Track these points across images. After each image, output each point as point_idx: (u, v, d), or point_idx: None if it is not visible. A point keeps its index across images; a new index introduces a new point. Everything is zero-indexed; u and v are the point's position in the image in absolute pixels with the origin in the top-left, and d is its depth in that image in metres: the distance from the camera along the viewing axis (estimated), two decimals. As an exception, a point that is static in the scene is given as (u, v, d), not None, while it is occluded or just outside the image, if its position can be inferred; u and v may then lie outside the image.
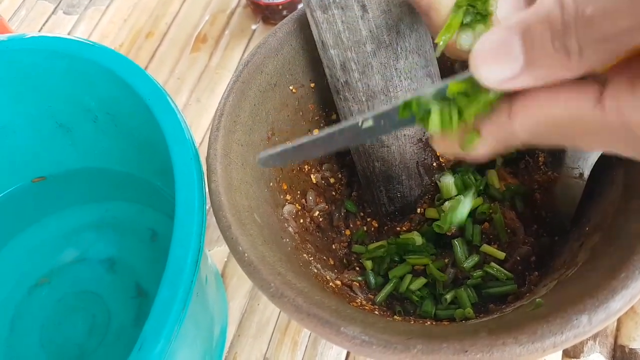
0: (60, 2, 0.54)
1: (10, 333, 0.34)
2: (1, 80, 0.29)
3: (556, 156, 0.22)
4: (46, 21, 0.53)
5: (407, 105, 0.14)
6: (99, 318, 0.33)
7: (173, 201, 0.26)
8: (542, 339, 0.16)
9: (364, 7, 0.21)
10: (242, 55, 0.46)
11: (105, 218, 0.36)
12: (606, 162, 0.21)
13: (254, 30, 0.48)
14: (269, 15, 0.46)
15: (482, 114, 0.14)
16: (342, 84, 0.24)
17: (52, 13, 0.54)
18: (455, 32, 0.16)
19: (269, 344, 0.34)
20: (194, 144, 0.24)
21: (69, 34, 0.52)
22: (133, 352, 0.21)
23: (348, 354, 0.33)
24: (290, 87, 0.26)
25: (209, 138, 0.24)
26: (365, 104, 0.24)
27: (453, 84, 0.13)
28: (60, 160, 0.35)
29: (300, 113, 0.28)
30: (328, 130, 0.16)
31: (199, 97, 0.45)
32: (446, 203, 0.25)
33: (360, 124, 0.15)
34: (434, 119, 0.14)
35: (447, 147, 0.15)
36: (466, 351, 0.16)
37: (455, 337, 0.16)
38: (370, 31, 0.21)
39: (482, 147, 0.14)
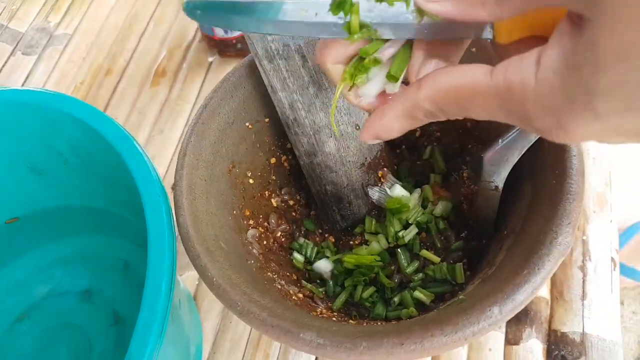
0: (18, 43, 0.56)
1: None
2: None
3: (476, 172, 0.25)
4: (5, 62, 0.54)
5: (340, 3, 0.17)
6: (80, 348, 0.35)
7: (142, 232, 0.28)
8: (463, 329, 0.19)
9: (303, 57, 0.24)
10: (201, 86, 0.49)
11: (79, 251, 0.38)
12: (518, 176, 0.25)
13: (211, 62, 0.50)
14: (223, 49, 0.49)
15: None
16: (291, 120, 0.27)
17: (11, 54, 0.55)
18: (351, 82, 0.19)
19: (242, 359, 0.36)
20: (160, 183, 0.26)
21: (28, 74, 0.53)
22: (119, 374, 0.23)
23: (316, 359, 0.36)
24: (247, 124, 0.30)
25: (175, 176, 0.26)
26: (313, 137, 0.27)
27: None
28: (32, 200, 0.37)
29: (258, 145, 0.31)
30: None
31: (162, 129, 0.47)
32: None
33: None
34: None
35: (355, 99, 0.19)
36: (402, 344, 0.19)
37: (394, 333, 0.19)
38: (311, 76, 0.25)
39: (397, 120, 0.18)
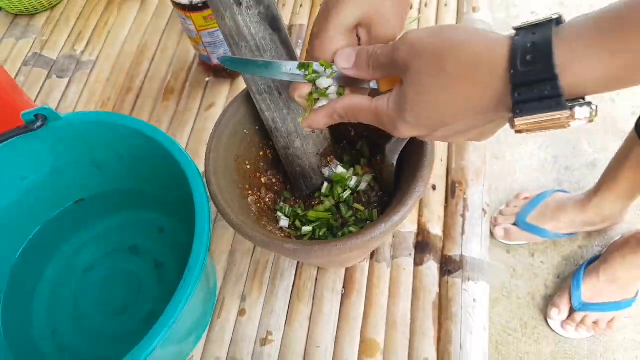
0: (51, 68, 0.71)
1: (75, 303, 0.52)
2: (62, 139, 0.48)
3: (383, 157, 0.44)
4: (43, 84, 0.70)
5: (304, 65, 0.34)
6: (133, 286, 0.52)
7: (172, 205, 0.45)
8: (368, 234, 0.37)
9: (279, 92, 0.42)
10: (201, 101, 0.66)
11: (127, 221, 0.55)
12: (402, 158, 0.44)
13: (208, 82, 0.67)
14: (217, 72, 0.66)
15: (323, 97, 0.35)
16: (273, 129, 0.45)
17: (47, 77, 0.70)
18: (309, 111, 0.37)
19: (244, 286, 0.54)
20: (197, 168, 0.44)
21: (63, 93, 0.69)
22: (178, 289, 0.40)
23: (294, 284, 0.54)
24: (245, 131, 0.47)
25: (205, 163, 0.44)
26: (286, 138, 0.45)
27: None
28: (93, 186, 0.53)
29: (252, 144, 0.48)
30: (260, 60, 0.36)
31: (174, 134, 0.64)
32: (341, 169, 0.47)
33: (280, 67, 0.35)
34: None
35: (312, 118, 0.36)
36: (336, 245, 0.37)
37: (334, 242, 0.38)
38: (285, 103, 0.43)
39: (323, 119, 0.35)
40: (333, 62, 0.34)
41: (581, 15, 0.27)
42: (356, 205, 0.46)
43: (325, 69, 0.34)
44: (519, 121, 0.28)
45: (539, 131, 0.29)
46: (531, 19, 1.28)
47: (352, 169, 0.48)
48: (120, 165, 0.51)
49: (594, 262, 0.93)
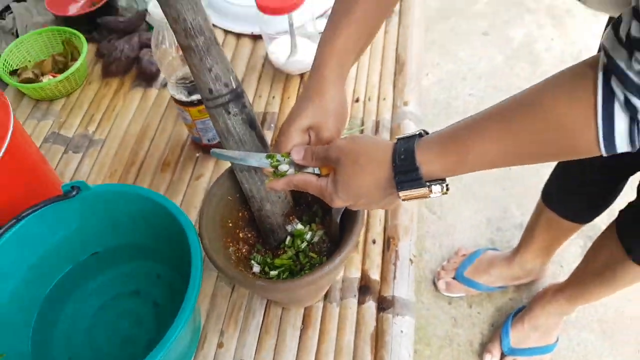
0: (67, 145, 0.87)
1: (89, 334, 0.64)
2: (89, 205, 0.63)
3: (331, 216, 0.60)
4: (60, 158, 0.85)
5: (271, 156, 0.52)
6: (135, 322, 0.65)
7: (168, 256, 0.59)
8: (317, 274, 0.53)
9: (255, 171, 0.59)
10: (192, 172, 0.82)
11: (132, 269, 0.69)
12: (343, 218, 0.60)
13: (198, 157, 0.84)
14: (205, 149, 0.83)
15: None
16: (249, 196, 0.61)
17: (64, 153, 0.86)
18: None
19: (223, 323, 0.68)
20: (194, 227, 0.59)
21: (77, 166, 0.84)
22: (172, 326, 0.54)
23: (263, 321, 0.68)
24: (229, 197, 0.63)
25: (199, 223, 0.59)
26: (260, 203, 0.61)
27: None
28: (107, 241, 0.68)
29: (234, 207, 0.64)
30: (239, 154, 0.53)
31: (170, 199, 0.79)
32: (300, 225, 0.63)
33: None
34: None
35: (273, 183, 0.53)
36: (293, 281, 0.53)
37: (293, 280, 0.53)
38: (259, 178, 0.59)
39: (282, 185, 0.52)
40: (290, 153, 0.52)
41: (434, 132, 0.45)
42: (311, 254, 0.62)
43: (284, 159, 0.51)
44: (401, 194, 0.45)
45: (414, 200, 0.46)
46: (469, 99, 1.52)
47: (308, 226, 0.64)
48: (130, 224, 0.66)
49: (521, 312, 1.09)
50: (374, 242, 0.74)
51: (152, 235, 0.66)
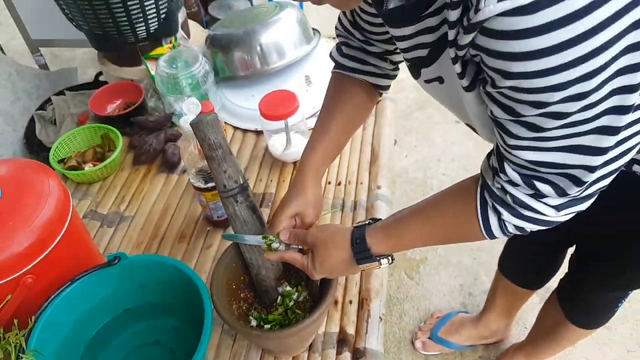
0: (102, 220, 1.06)
1: (117, 375, 0.80)
2: (126, 271, 0.81)
3: (313, 281, 0.78)
4: (97, 231, 1.04)
5: (265, 237, 0.71)
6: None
7: (185, 312, 0.77)
8: (300, 326, 0.70)
9: (258, 247, 0.77)
10: (203, 243, 1.00)
11: (154, 322, 0.86)
12: (321, 285, 0.78)
13: (208, 230, 1.03)
14: (215, 225, 1.02)
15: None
16: (249, 264, 0.79)
17: (100, 227, 1.05)
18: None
19: (227, 367, 0.84)
20: (207, 288, 0.77)
21: (110, 239, 1.03)
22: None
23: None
24: (233, 264, 0.81)
25: (209, 284, 0.77)
26: (258, 269, 0.79)
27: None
28: (136, 299, 0.85)
29: (237, 272, 0.82)
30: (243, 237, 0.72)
31: (189, 264, 0.97)
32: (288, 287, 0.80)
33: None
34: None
35: (269, 255, 0.72)
36: (282, 331, 0.70)
37: (282, 330, 0.70)
38: (258, 250, 0.78)
39: (275, 258, 0.70)
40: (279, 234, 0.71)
41: (380, 221, 0.65)
42: (297, 311, 0.80)
43: (275, 239, 0.71)
44: (360, 267, 0.64)
45: (371, 270, 0.65)
46: (443, 178, 1.73)
47: (295, 288, 0.82)
48: (155, 286, 0.84)
49: (488, 368, 1.23)
50: (350, 302, 0.91)
51: (172, 294, 0.83)
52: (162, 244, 1.01)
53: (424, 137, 1.83)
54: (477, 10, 0.35)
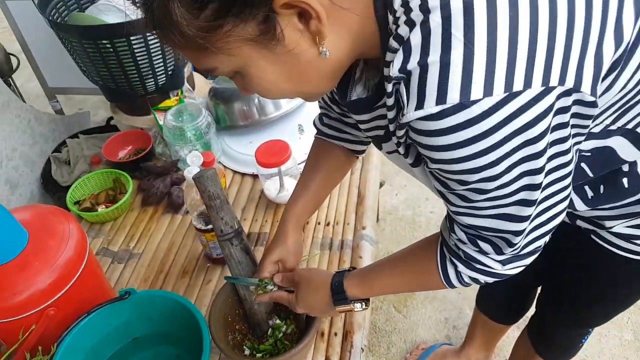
0: (113, 257, 1.17)
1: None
2: (135, 304, 0.91)
3: (300, 315, 0.88)
4: (108, 267, 1.15)
5: (261, 280, 0.82)
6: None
7: (186, 341, 0.87)
8: (287, 355, 0.80)
9: (249, 287, 0.88)
10: (203, 279, 1.11)
11: (158, 351, 0.96)
12: (307, 320, 0.88)
13: (208, 267, 1.13)
14: (214, 261, 1.12)
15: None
16: (243, 300, 0.90)
17: (111, 263, 1.16)
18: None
19: (223, 392, 0.93)
20: (207, 325, 0.87)
21: (120, 274, 1.13)
22: (193, 376, 0.81)
23: (252, 391, 0.93)
24: (229, 299, 0.92)
25: (208, 317, 0.87)
26: (250, 304, 0.89)
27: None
28: (143, 329, 0.95)
29: (233, 306, 0.93)
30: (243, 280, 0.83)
31: (187, 297, 1.07)
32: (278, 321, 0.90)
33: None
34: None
35: (260, 297, 0.83)
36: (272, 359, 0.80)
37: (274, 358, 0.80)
38: (249, 289, 0.88)
39: (266, 298, 0.81)
40: (272, 277, 0.83)
41: (357, 269, 0.76)
42: (286, 342, 0.90)
43: (269, 282, 0.82)
44: (337, 309, 0.74)
45: (346, 312, 0.75)
46: (430, 215, 1.83)
47: (284, 321, 0.92)
48: (161, 317, 0.94)
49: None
50: (335, 334, 1.00)
51: (175, 325, 0.94)
52: (167, 279, 1.12)
53: (413, 177, 1.95)
54: (402, 115, 0.45)
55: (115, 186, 1.28)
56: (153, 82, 1.31)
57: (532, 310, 1.13)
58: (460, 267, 0.61)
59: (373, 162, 1.34)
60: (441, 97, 0.42)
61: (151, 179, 1.26)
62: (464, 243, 0.58)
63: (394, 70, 0.45)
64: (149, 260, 1.15)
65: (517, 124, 0.42)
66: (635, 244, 0.69)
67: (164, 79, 1.33)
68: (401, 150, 0.54)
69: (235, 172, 1.35)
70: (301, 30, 0.46)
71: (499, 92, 0.41)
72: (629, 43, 0.44)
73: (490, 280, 0.62)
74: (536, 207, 0.51)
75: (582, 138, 0.49)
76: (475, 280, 0.62)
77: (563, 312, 0.93)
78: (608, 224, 0.69)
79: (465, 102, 0.41)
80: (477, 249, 0.58)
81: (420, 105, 0.43)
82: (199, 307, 1.04)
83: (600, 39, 0.43)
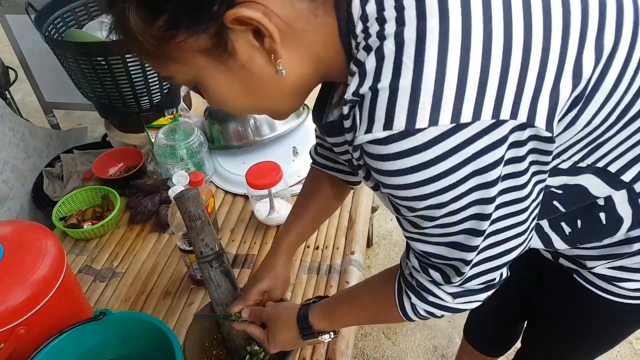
0: (96, 276, 1.15)
1: None
2: (110, 325, 0.89)
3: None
4: (89, 286, 1.13)
5: (232, 315, 0.79)
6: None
7: None
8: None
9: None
10: (186, 300, 1.08)
11: (133, 375, 0.93)
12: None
13: (192, 288, 1.10)
14: (198, 282, 1.10)
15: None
16: (220, 324, 0.87)
17: (93, 281, 1.13)
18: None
19: (197, 421, 0.90)
20: (180, 346, 0.84)
21: (101, 293, 1.11)
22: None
23: (228, 420, 0.89)
24: (207, 323, 0.89)
25: (182, 347, 0.85)
26: (229, 329, 0.87)
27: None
28: (119, 351, 0.92)
29: (210, 332, 0.90)
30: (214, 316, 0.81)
31: (167, 320, 1.05)
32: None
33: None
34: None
35: (236, 324, 0.80)
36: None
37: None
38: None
39: (241, 327, 0.79)
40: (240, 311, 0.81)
41: (322, 300, 0.74)
42: (265, 367, 0.87)
43: (240, 317, 0.80)
44: (305, 343, 0.72)
45: (314, 344, 0.73)
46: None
47: (262, 348, 0.89)
48: (136, 338, 0.91)
49: None
50: (317, 362, 0.97)
51: (151, 347, 0.91)
52: (149, 300, 1.09)
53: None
54: (355, 137, 0.45)
55: (103, 203, 1.26)
56: (147, 100, 1.31)
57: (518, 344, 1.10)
58: (414, 299, 0.60)
59: (365, 187, 1.32)
60: (388, 123, 0.42)
61: (140, 196, 1.24)
62: (417, 271, 0.58)
63: (348, 93, 0.45)
64: (132, 280, 1.13)
65: (465, 153, 0.42)
66: (617, 286, 0.66)
67: (159, 97, 1.33)
68: (362, 173, 0.54)
69: (227, 192, 1.34)
70: (257, 47, 0.47)
71: (445, 122, 0.40)
72: (589, 80, 0.44)
73: (446, 314, 0.61)
74: (485, 238, 0.50)
75: (545, 175, 0.48)
76: (431, 314, 0.61)
77: (545, 349, 0.90)
78: (590, 264, 0.67)
79: (410, 130, 0.41)
80: (429, 279, 0.57)
81: (369, 129, 0.43)
82: (179, 329, 1.01)
83: (558, 74, 0.42)
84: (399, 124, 0.41)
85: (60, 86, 1.64)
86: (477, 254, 0.51)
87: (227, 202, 1.31)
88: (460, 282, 0.55)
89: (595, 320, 0.76)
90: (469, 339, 1.19)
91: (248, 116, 1.35)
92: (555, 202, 0.58)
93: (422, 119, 0.40)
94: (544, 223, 0.64)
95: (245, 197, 1.31)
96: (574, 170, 0.54)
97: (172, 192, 0.93)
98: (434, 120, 0.40)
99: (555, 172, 0.54)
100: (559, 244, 0.64)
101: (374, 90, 0.42)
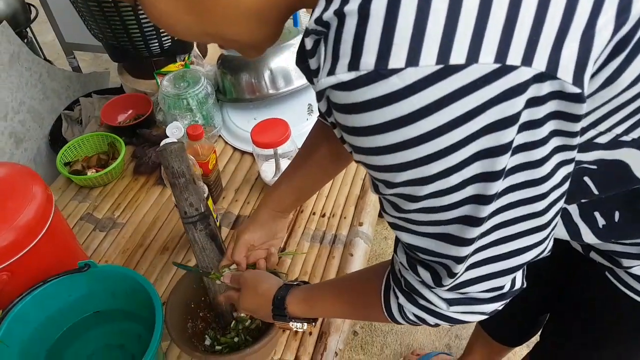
0: (96, 224, 1.13)
1: (77, 375, 0.85)
2: (95, 278, 0.86)
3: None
4: (89, 235, 1.11)
5: (213, 273, 0.76)
6: (115, 368, 0.86)
7: (146, 320, 0.82)
8: (243, 352, 0.73)
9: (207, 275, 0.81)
10: (183, 258, 1.05)
11: (121, 328, 0.91)
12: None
13: (189, 247, 1.07)
14: (196, 241, 1.06)
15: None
16: (207, 287, 0.83)
17: (93, 230, 1.12)
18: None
19: (180, 381, 0.87)
20: (161, 303, 0.81)
21: (100, 242, 1.09)
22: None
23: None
24: (194, 286, 0.85)
25: (165, 308, 0.81)
26: (214, 294, 0.83)
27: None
28: (98, 306, 0.90)
29: (198, 293, 0.86)
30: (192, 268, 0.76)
31: (162, 276, 1.02)
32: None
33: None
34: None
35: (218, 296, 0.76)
36: (224, 356, 0.73)
37: (226, 355, 0.73)
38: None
39: (222, 298, 0.76)
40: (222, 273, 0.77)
41: (304, 286, 0.67)
42: (248, 338, 0.82)
43: (219, 277, 0.76)
44: (276, 323, 0.67)
45: (285, 329, 0.67)
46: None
47: (249, 315, 0.85)
48: (124, 294, 0.88)
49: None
50: (310, 334, 0.92)
51: (137, 304, 0.88)
52: (146, 254, 1.06)
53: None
54: (317, 81, 0.35)
55: (109, 151, 1.23)
56: (157, 44, 1.24)
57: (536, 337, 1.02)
58: (402, 300, 0.50)
59: (382, 152, 1.23)
60: (355, 61, 0.31)
61: (146, 146, 1.20)
62: (406, 269, 0.48)
63: (311, 21, 0.34)
64: (131, 232, 1.10)
65: (457, 108, 0.31)
66: None
67: (170, 42, 1.25)
68: (337, 134, 0.42)
69: (235, 148, 1.27)
70: None
71: (428, 62, 0.30)
72: None
73: (441, 323, 0.50)
74: (487, 233, 0.39)
75: (572, 153, 0.36)
76: (422, 320, 0.51)
77: (568, 349, 0.81)
78: (626, 262, 0.56)
79: (381, 71, 0.30)
80: (418, 279, 0.47)
81: (332, 69, 0.33)
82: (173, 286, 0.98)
83: (596, 7, 0.30)
84: (367, 61, 0.31)
85: (79, 26, 1.59)
86: (476, 252, 0.40)
87: (235, 159, 1.25)
88: (452, 284, 0.44)
89: (626, 325, 0.66)
90: (485, 326, 1.11)
91: (264, 67, 1.26)
92: (586, 179, 0.46)
93: (398, 57, 0.30)
94: (573, 209, 0.53)
95: (254, 156, 1.25)
96: (615, 144, 0.42)
97: (163, 144, 0.87)
98: (413, 59, 0.30)
99: (590, 146, 0.42)
100: (589, 237, 0.54)
101: (340, 15, 0.32)
